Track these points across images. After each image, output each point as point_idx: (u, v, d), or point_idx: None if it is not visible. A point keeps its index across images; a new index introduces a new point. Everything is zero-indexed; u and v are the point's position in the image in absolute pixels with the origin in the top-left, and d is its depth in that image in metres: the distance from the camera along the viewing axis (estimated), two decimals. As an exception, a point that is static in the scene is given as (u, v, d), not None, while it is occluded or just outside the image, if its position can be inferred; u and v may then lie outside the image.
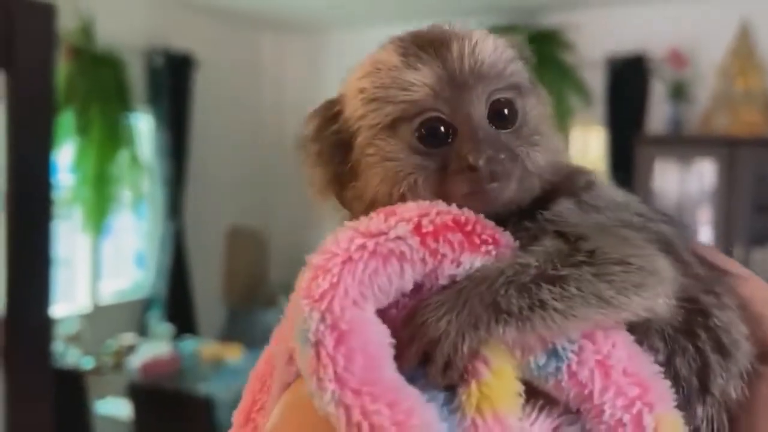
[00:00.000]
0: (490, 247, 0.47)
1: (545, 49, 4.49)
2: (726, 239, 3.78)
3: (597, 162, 4.58)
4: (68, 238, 4.18)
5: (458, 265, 0.46)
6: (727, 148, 3.78)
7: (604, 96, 4.41)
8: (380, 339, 0.43)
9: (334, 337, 0.42)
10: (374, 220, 0.46)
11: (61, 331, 3.75)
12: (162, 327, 4.33)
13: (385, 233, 0.45)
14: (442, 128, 0.50)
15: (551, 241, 0.48)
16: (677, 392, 0.47)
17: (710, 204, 3.88)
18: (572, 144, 4.57)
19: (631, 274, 0.46)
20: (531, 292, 0.44)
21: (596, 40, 4.45)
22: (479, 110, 0.51)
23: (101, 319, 4.36)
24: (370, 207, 0.51)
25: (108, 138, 4.25)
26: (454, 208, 0.48)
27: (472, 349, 0.43)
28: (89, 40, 4.12)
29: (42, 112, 2.13)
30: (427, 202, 0.48)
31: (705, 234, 3.91)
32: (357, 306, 0.43)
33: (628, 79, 4.32)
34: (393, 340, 0.44)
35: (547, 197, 0.53)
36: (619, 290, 0.45)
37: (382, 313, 0.45)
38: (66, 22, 3.68)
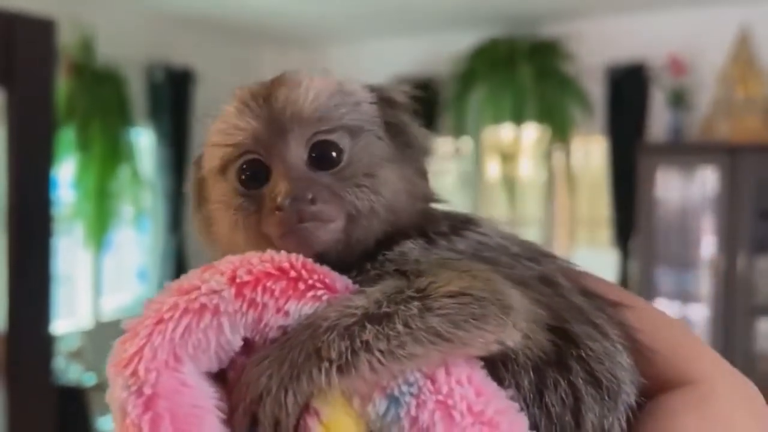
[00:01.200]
0: (321, 292, 0.44)
1: (546, 60, 4.50)
2: (729, 247, 3.76)
3: (599, 171, 4.58)
4: (69, 253, 4.18)
5: (285, 314, 0.43)
6: (728, 155, 3.77)
7: (605, 105, 4.41)
8: (197, 402, 0.41)
9: (140, 402, 0.40)
10: (190, 276, 0.44)
11: (62, 348, 3.73)
12: (164, 342, 4.31)
13: (198, 288, 0.43)
14: (261, 170, 0.51)
15: (390, 281, 0.46)
16: (550, 431, 0.44)
17: (713, 211, 3.87)
18: (574, 154, 4.57)
19: (468, 306, 0.43)
20: (353, 335, 0.41)
21: (596, 49, 4.46)
22: (295, 152, 0.50)
23: (103, 335, 4.34)
24: (225, 252, 0.50)
25: (109, 153, 4.26)
26: (283, 255, 0.45)
27: (297, 403, 0.41)
28: (90, 55, 4.14)
29: (43, 129, 2.12)
30: (255, 252, 0.46)
31: (709, 242, 3.90)
32: (169, 368, 0.41)
33: (629, 87, 4.32)
34: (224, 404, 0.42)
35: (393, 239, 0.51)
36: (455, 323, 0.42)
37: (220, 376, 0.43)
38: (66, 38, 3.69)
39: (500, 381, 0.44)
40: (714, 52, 4.12)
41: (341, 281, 0.46)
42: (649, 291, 4.03)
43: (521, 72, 4.49)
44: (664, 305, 4.07)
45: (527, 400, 0.45)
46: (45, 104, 2.12)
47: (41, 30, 2.06)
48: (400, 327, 0.42)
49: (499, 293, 0.44)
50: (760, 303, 3.75)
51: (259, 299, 0.43)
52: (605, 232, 4.55)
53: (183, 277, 0.45)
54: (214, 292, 0.43)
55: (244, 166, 0.52)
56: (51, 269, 2.15)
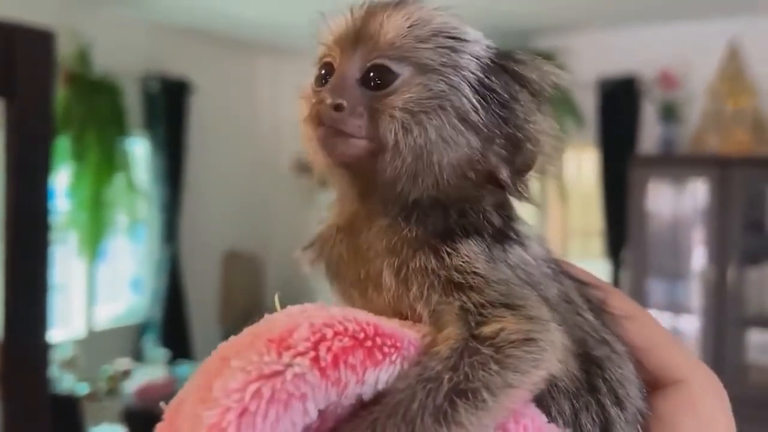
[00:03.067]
0: (394, 356, 0.44)
1: (538, 72, 4.54)
2: (720, 258, 3.80)
3: (591, 183, 4.62)
4: (63, 262, 4.18)
5: (363, 383, 0.43)
6: (718, 168, 3.81)
7: (597, 118, 4.46)
8: None
9: None
10: (266, 358, 0.41)
11: (56, 357, 3.73)
12: (157, 352, 4.31)
13: (282, 373, 0.40)
14: (330, 72, 0.53)
15: (451, 329, 0.46)
16: None
17: (703, 223, 3.91)
18: (566, 166, 4.61)
19: (532, 353, 0.45)
20: (447, 416, 0.42)
21: (588, 62, 4.51)
22: (354, 65, 0.51)
23: (96, 344, 4.34)
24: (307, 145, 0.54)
25: (104, 163, 4.27)
26: (351, 318, 0.45)
27: None
28: (86, 65, 4.16)
29: (42, 139, 2.14)
30: (319, 317, 0.44)
31: (699, 253, 3.94)
32: None
33: (620, 100, 4.37)
34: None
35: (445, 213, 0.51)
36: (523, 372, 0.44)
37: None
38: (63, 48, 3.71)
39: (546, 409, 0.48)
40: (704, 66, 4.18)
41: (406, 337, 0.46)
42: (640, 302, 4.01)
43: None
44: (656, 316, 4.09)
45: (567, 424, 0.48)
46: (44, 115, 2.14)
47: (41, 41, 2.08)
48: (486, 395, 0.43)
49: (550, 334, 0.46)
50: (750, 314, 3.79)
51: (343, 378, 0.42)
52: (597, 243, 4.59)
53: (251, 353, 0.42)
54: (298, 376, 0.41)
55: (321, 66, 0.54)
56: (48, 279, 2.16)
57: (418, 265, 0.49)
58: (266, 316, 0.47)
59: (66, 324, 4.29)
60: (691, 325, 3.97)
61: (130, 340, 4.69)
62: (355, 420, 0.43)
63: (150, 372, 3.82)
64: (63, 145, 4.01)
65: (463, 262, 0.48)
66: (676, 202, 4.10)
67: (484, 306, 0.46)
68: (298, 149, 5.69)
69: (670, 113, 4.21)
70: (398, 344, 0.45)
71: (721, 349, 3.78)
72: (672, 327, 4.07)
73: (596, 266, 4.50)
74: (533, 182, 0.54)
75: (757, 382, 3.75)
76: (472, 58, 0.52)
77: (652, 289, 4.09)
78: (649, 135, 4.34)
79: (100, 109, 4.23)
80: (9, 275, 1.94)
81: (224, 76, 5.39)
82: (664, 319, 4.09)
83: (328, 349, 0.42)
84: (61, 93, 3.94)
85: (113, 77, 4.33)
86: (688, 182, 4.04)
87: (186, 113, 4.87)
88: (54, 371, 3.61)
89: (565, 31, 4.56)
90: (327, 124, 0.50)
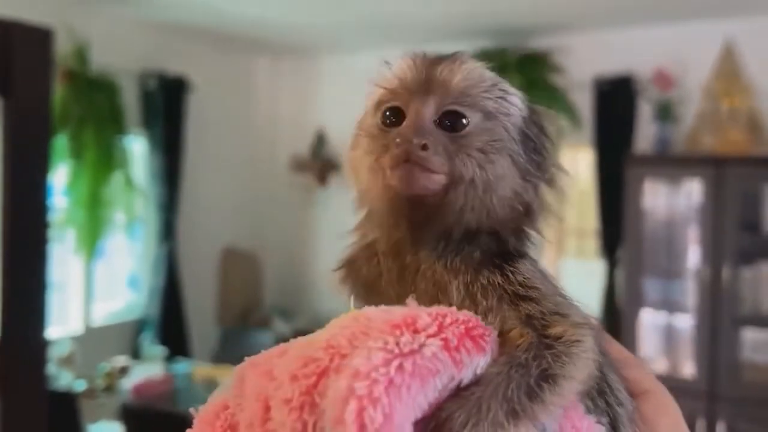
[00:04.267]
0: (488, 346, 0.51)
1: (535, 72, 4.56)
2: (715, 258, 3.82)
3: (586, 182, 4.64)
4: (61, 260, 4.19)
5: (470, 367, 0.49)
6: (713, 167, 3.83)
7: (593, 117, 4.48)
8: None
9: None
10: (403, 338, 0.46)
11: (53, 354, 3.74)
12: (155, 349, 4.32)
13: (418, 351, 0.46)
14: (399, 115, 0.60)
15: (521, 329, 0.55)
16: None
17: (698, 223, 3.93)
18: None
19: (586, 353, 0.54)
20: (536, 395, 0.50)
21: (584, 62, 4.53)
22: (429, 109, 0.59)
23: (94, 341, 4.35)
24: (356, 177, 0.62)
25: (102, 161, 4.28)
26: (451, 311, 0.51)
27: None
28: (84, 63, 4.17)
29: (39, 137, 2.15)
30: (431, 308, 0.51)
31: (695, 253, 3.96)
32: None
33: (616, 100, 4.38)
34: None
35: (497, 241, 0.60)
36: (582, 367, 0.53)
37: None
38: (61, 46, 3.72)
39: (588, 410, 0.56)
40: (699, 65, 4.19)
41: (489, 329, 0.53)
42: (636, 301, 4.08)
43: (511, 83, 4.54)
44: (651, 315, 4.12)
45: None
46: (42, 112, 2.15)
47: (39, 39, 2.09)
48: (563, 382, 0.52)
49: (588, 336, 0.55)
50: (744, 313, 3.81)
51: (463, 360, 0.48)
52: (593, 243, 4.61)
53: (386, 336, 0.47)
54: (434, 354, 0.46)
55: (388, 109, 0.60)
56: (46, 276, 2.17)
57: (486, 281, 0.57)
58: (355, 314, 0.52)
59: (64, 321, 4.30)
60: (686, 323, 3.99)
61: (128, 337, 4.70)
62: (459, 399, 0.48)
63: (147, 369, 3.83)
64: (61, 142, 4.02)
65: (524, 278, 0.58)
66: (672, 202, 4.12)
67: (543, 314, 0.56)
68: (296, 147, 5.72)
69: (665, 113, 4.23)
70: (488, 335, 0.52)
71: (716, 348, 3.81)
72: (667, 325, 4.09)
73: (592, 265, 4.52)
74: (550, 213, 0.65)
75: (751, 380, 3.77)
76: (516, 108, 0.62)
77: (648, 287, 4.11)
78: (645, 134, 4.36)
79: (97, 107, 4.24)
80: (7, 273, 1.95)
81: (222, 75, 5.40)
82: (659, 317, 4.12)
83: (454, 335, 0.48)
84: (58, 91, 3.95)
85: (111, 75, 4.34)
86: (683, 182, 4.05)
87: (184, 111, 4.88)
88: (52, 368, 3.62)
89: (562, 31, 4.57)
90: (412, 161, 0.57)
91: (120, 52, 4.50)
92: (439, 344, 0.47)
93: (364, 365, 0.44)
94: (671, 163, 4.17)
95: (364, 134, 0.62)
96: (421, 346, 0.46)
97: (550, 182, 0.63)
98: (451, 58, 0.61)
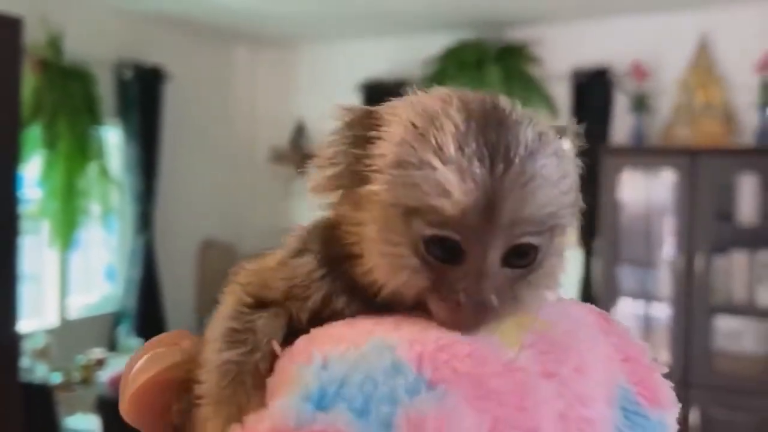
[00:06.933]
0: None
1: (513, 63, 4.59)
2: (689, 247, 3.88)
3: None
4: (36, 252, 4.14)
5: None
6: (688, 158, 3.88)
7: (570, 108, 4.51)
8: None
9: None
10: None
11: (29, 346, 3.70)
12: (132, 341, 4.30)
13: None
14: (452, 249, 0.45)
15: None
16: None
17: (673, 213, 3.98)
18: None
19: None
20: None
21: (561, 53, 4.56)
22: (497, 247, 0.45)
23: (70, 333, 4.31)
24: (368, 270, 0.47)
25: (76, 151, 4.23)
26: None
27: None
28: (58, 53, 4.10)
29: (9, 127, 2.12)
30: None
31: (670, 243, 4.01)
32: None
33: (593, 91, 4.42)
34: None
35: None
36: None
37: None
38: (35, 35, 3.66)
39: None
40: (675, 58, 4.24)
41: None
42: (612, 290, 4.14)
43: (489, 74, 4.56)
44: (628, 304, 4.17)
45: None
46: (12, 102, 2.12)
47: (7, 28, 2.05)
48: None
49: None
50: (717, 302, 3.87)
51: None
52: (570, 233, 4.65)
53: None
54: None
55: (439, 239, 0.45)
56: (18, 268, 2.14)
57: None
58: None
59: (39, 314, 4.25)
60: (662, 312, 4.05)
61: (105, 329, 4.66)
62: None
63: (124, 362, 3.79)
64: (34, 133, 3.96)
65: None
66: (648, 192, 4.17)
67: None
68: (275, 138, 5.69)
69: (641, 104, 4.27)
70: None
71: (690, 336, 3.87)
72: (643, 315, 4.15)
73: (569, 255, 4.56)
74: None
75: (723, 368, 3.84)
76: (574, 171, 0.49)
77: (624, 277, 4.16)
78: (621, 126, 4.40)
79: (72, 97, 4.18)
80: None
81: (200, 65, 5.35)
82: (635, 306, 4.17)
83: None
84: (32, 81, 3.88)
85: (86, 65, 4.27)
86: (659, 172, 4.11)
87: (160, 101, 4.83)
88: (27, 361, 3.58)
89: (539, 23, 4.59)
90: (481, 323, 0.45)
91: (95, 41, 4.43)
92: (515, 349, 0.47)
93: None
94: (647, 154, 4.22)
95: (383, 235, 0.45)
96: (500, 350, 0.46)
97: (581, 210, 0.51)
98: (519, 165, 0.43)
